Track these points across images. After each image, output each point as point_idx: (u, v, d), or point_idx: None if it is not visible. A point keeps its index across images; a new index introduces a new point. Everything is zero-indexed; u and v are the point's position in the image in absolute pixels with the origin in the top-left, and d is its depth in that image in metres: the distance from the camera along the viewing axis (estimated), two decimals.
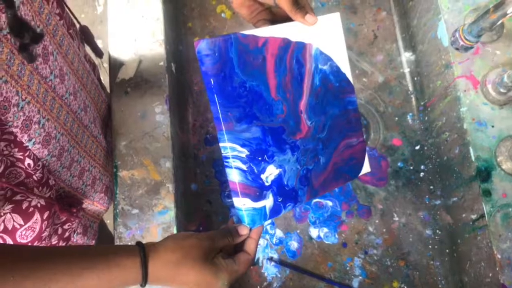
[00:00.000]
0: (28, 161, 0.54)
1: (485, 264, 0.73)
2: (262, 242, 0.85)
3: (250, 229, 0.59)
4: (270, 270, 0.84)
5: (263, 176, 0.59)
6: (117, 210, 0.72)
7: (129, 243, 0.70)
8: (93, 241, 0.81)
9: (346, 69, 0.68)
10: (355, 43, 0.96)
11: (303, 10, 0.60)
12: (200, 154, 0.90)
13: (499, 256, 0.70)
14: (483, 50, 0.78)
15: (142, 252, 0.51)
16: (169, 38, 0.83)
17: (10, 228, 0.58)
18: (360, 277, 0.84)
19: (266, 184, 0.59)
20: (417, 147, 0.89)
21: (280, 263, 0.84)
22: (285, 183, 0.61)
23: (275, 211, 0.60)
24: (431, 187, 0.87)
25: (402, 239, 0.85)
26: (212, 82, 0.56)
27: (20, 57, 0.49)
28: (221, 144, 0.57)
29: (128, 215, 0.72)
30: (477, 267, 0.75)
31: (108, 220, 1.32)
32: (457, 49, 0.71)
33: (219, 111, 0.56)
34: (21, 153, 0.53)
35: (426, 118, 0.90)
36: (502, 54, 0.78)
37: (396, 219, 0.86)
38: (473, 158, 0.74)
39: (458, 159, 0.79)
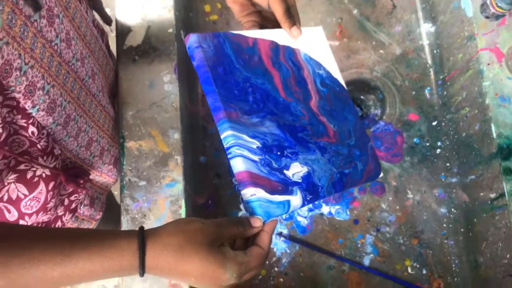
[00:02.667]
0: (32, 129, 0.52)
1: (503, 245, 0.71)
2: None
3: (264, 222, 0.53)
4: (279, 246, 0.82)
5: (287, 172, 0.55)
6: (124, 182, 0.70)
7: (136, 216, 0.68)
8: (100, 213, 0.80)
9: (338, 75, 0.69)
10: (373, 13, 0.91)
11: (292, 20, 0.63)
12: (210, 126, 0.87)
13: None
14: (509, 21, 0.74)
15: (141, 234, 0.47)
16: (178, 4, 0.79)
17: (14, 198, 0.56)
18: (372, 255, 0.82)
19: (293, 180, 0.55)
20: (434, 123, 0.86)
21: (290, 238, 0.82)
22: (317, 182, 0.58)
23: (299, 206, 0.56)
24: (448, 164, 0.84)
25: (416, 217, 0.83)
26: (210, 71, 0.54)
27: (22, 17, 0.46)
28: (222, 136, 0.53)
29: (135, 187, 0.69)
30: (493, 248, 0.73)
31: (116, 192, 1.31)
32: (487, 17, 0.67)
33: (219, 99, 0.53)
34: (24, 121, 0.51)
35: (444, 93, 0.86)
36: None
37: (410, 196, 0.84)
38: (494, 135, 0.71)
39: (478, 136, 0.76)
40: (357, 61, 0.90)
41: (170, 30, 0.75)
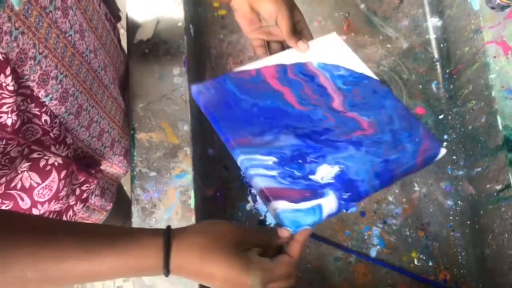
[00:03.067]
0: (45, 117, 0.53)
1: (509, 236, 0.71)
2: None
3: (294, 232, 0.51)
4: None
5: (314, 177, 0.54)
6: (135, 173, 0.71)
7: (146, 206, 0.70)
8: (111, 204, 0.81)
9: (363, 69, 0.67)
10: (380, 7, 0.92)
11: (298, 36, 0.65)
12: None
13: None
14: None
15: (167, 233, 0.46)
16: None
17: (27, 187, 0.58)
18: (378, 247, 0.83)
19: (323, 182, 0.54)
20: (441, 116, 0.87)
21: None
22: (353, 177, 0.55)
23: (336, 207, 0.53)
24: (454, 157, 0.85)
25: (422, 210, 0.84)
26: (212, 111, 0.58)
27: (38, 8, 0.47)
28: (239, 163, 0.55)
29: (145, 177, 0.71)
30: (499, 239, 0.73)
31: (126, 187, 1.33)
32: (492, 8, 0.67)
33: (226, 131, 0.56)
34: (38, 109, 0.52)
35: (451, 86, 0.87)
36: None
37: (417, 189, 0.84)
38: (500, 127, 0.72)
39: (484, 128, 0.76)
40: (364, 56, 0.90)
41: (180, 24, 0.76)
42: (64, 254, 0.43)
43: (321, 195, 0.53)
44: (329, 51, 0.68)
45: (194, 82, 0.79)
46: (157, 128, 0.73)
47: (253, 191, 0.84)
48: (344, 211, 0.54)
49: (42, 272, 0.42)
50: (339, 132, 0.59)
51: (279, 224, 0.51)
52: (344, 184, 0.54)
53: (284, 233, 0.50)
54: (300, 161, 0.55)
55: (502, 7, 0.67)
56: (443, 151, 0.60)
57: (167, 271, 0.45)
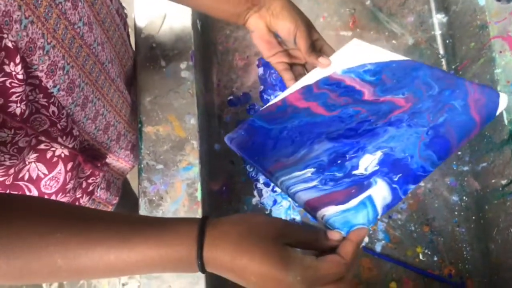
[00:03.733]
0: (52, 108, 0.54)
1: None
2: (285, 203, 0.84)
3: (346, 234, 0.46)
4: None
5: (358, 171, 0.50)
6: (142, 165, 0.72)
7: (153, 198, 0.70)
8: (117, 198, 0.82)
9: (391, 56, 0.65)
10: (386, 4, 0.93)
11: (317, 53, 0.65)
12: (224, 115, 0.89)
13: None
14: None
15: (202, 221, 0.44)
16: None
17: (34, 177, 0.58)
18: (383, 241, 0.83)
19: (368, 173, 0.50)
20: None
21: (302, 223, 0.84)
22: (400, 156, 0.50)
23: (390, 194, 0.48)
24: (459, 153, 0.85)
25: (428, 205, 0.84)
26: (245, 151, 0.59)
27: None
28: (279, 188, 0.55)
29: (152, 170, 0.71)
30: (505, 234, 0.74)
31: (133, 184, 1.33)
32: (498, 0, 0.68)
33: (260, 164, 0.57)
34: (45, 100, 0.53)
35: None
36: None
37: (422, 184, 0.85)
38: (506, 121, 0.72)
39: (490, 124, 0.76)
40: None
41: (187, 19, 0.77)
42: (94, 241, 0.41)
43: (368, 186, 0.48)
44: (352, 56, 0.67)
45: (200, 76, 0.80)
46: (164, 122, 0.73)
47: (259, 186, 0.85)
48: (403, 197, 0.48)
49: (72, 260, 0.41)
50: (375, 119, 0.56)
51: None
52: (391, 166, 0.50)
53: (335, 235, 0.45)
54: (339, 161, 0.52)
55: (509, 0, 0.68)
56: (503, 98, 0.52)
57: (201, 264, 0.42)
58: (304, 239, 0.44)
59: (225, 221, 0.44)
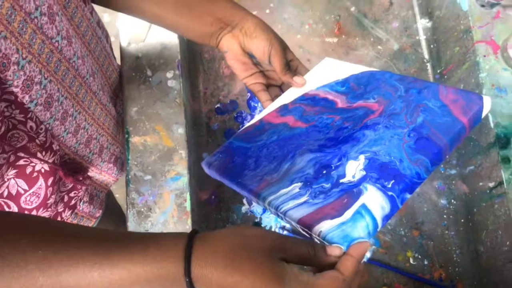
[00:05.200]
0: (30, 123, 0.52)
1: (502, 233, 0.72)
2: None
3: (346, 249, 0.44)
4: None
5: (345, 179, 0.49)
6: (130, 176, 0.71)
7: (142, 209, 0.70)
8: (100, 211, 0.80)
9: (358, 69, 0.65)
10: (370, 10, 0.93)
11: (291, 72, 0.64)
12: (212, 123, 0.89)
13: None
14: (504, 14, 0.76)
15: (190, 235, 0.41)
16: None
17: (14, 194, 0.57)
18: (374, 247, 0.83)
19: (356, 180, 0.49)
20: None
21: (293, 232, 0.83)
22: (386, 160, 0.49)
23: (384, 201, 0.46)
24: (447, 156, 0.86)
25: (416, 209, 0.84)
26: (225, 175, 0.58)
27: (22, 13, 0.47)
28: (267, 208, 0.52)
29: (140, 181, 0.71)
30: (493, 236, 0.74)
31: (118, 195, 1.32)
32: (482, 6, 0.68)
33: (244, 186, 0.55)
34: (22, 115, 0.51)
35: None
36: None
37: None
38: (492, 125, 0.73)
39: (476, 127, 0.77)
40: (356, 57, 0.91)
41: None
42: (76, 258, 0.40)
43: (358, 194, 0.47)
44: (326, 74, 0.66)
45: (187, 85, 0.80)
46: (151, 132, 0.73)
47: None
48: (400, 206, 0.46)
49: (54, 279, 0.39)
50: (351, 125, 0.56)
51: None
52: (379, 171, 0.48)
53: (334, 250, 0.43)
54: (324, 171, 0.51)
55: (492, 5, 0.69)
56: (487, 100, 0.51)
57: (189, 281, 0.39)
58: (301, 254, 0.42)
59: (215, 234, 0.42)
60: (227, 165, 0.59)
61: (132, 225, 0.69)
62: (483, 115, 0.52)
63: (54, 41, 0.53)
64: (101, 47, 0.71)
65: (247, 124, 0.65)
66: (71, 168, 0.66)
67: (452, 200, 0.84)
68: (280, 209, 0.49)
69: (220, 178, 0.59)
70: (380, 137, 0.52)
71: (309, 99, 0.64)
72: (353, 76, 0.64)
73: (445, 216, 0.83)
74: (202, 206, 0.82)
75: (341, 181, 0.49)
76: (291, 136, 0.59)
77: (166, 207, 0.70)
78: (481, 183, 0.77)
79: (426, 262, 0.82)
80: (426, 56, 0.91)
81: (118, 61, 0.79)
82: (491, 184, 0.74)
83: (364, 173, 0.49)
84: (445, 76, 0.86)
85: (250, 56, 0.65)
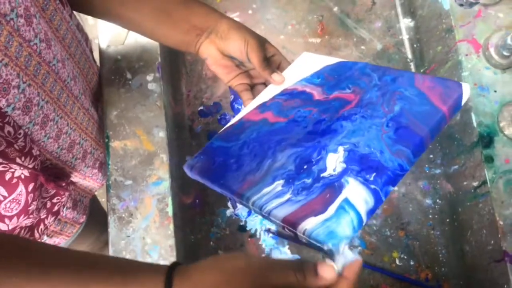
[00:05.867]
0: (8, 128, 0.51)
1: (487, 232, 0.72)
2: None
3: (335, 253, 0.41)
4: (267, 242, 0.82)
5: (326, 173, 0.48)
6: (110, 182, 0.70)
7: (123, 215, 0.68)
8: (84, 217, 0.79)
9: (332, 60, 0.65)
10: (353, 10, 0.93)
11: (270, 68, 0.63)
12: (195, 125, 0.88)
13: (501, 223, 0.68)
14: (485, 13, 0.76)
15: (169, 271, 0.40)
16: None
17: None
18: (360, 248, 0.82)
19: (337, 173, 0.47)
20: None
21: (278, 234, 0.83)
22: (366, 151, 0.48)
23: (366, 194, 0.45)
24: (431, 156, 0.85)
25: (402, 209, 0.84)
26: (207, 178, 0.56)
27: None
28: (252, 209, 0.51)
29: (121, 186, 0.69)
30: (478, 235, 0.74)
31: (103, 199, 1.30)
32: (461, 5, 0.68)
33: (226, 188, 0.54)
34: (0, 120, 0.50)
35: None
36: (504, 17, 0.76)
37: (396, 188, 0.85)
38: (475, 124, 0.72)
39: (459, 126, 0.77)
40: (339, 57, 0.90)
41: None
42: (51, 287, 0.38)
43: (340, 188, 0.45)
44: (304, 68, 0.66)
45: (168, 88, 0.79)
46: (131, 136, 0.71)
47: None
48: (384, 199, 0.45)
49: None
50: (328, 117, 0.55)
51: (319, 248, 0.42)
52: (359, 163, 0.47)
53: (326, 272, 0.39)
54: (305, 167, 0.50)
55: (471, 4, 0.68)
56: (466, 87, 0.50)
57: None
58: (289, 283, 0.39)
59: (196, 269, 0.41)
60: (209, 167, 0.58)
61: (114, 231, 0.68)
62: (463, 102, 0.51)
63: (32, 44, 0.52)
64: (81, 51, 0.70)
65: (227, 125, 0.64)
66: (52, 173, 0.65)
67: (437, 200, 0.84)
68: (264, 209, 0.48)
69: (202, 180, 0.58)
70: (358, 127, 0.51)
71: (287, 94, 0.63)
72: (328, 67, 0.64)
73: (430, 216, 0.83)
74: (186, 210, 0.81)
75: (322, 175, 0.48)
76: (270, 131, 0.58)
77: (147, 213, 0.68)
78: (465, 183, 0.77)
79: (412, 263, 0.82)
80: (409, 55, 0.90)
81: (99, 64, 0.78)
82: (475, 183, 0.73)
83: (344, 165, 0.48)
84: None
85: (232, 58, 0.64)
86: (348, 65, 0.62)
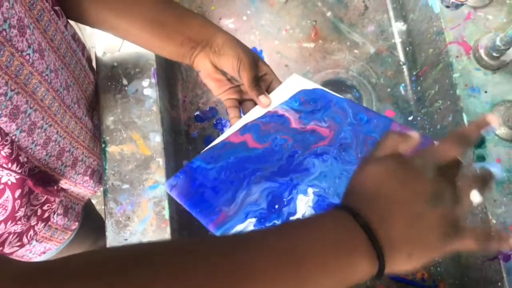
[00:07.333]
0: None
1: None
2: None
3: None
4: None
5: (294, 218, 0.50)
6: (107, 186, 0.71)
7: (120, 219, 0.69)
8: (76, 223, 0.79)
9: (313, 85, 0.65)
10: (346, 14, 0.94)
11: (259, 89, 0.63)
12: (191, 130, 0.89)
13: (494, 221, 0.69)
14: (474, 15, 0.77)
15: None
16: None
17: None
18: None
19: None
20: (410, 118, 0.88)
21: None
22: (335, 201, 0.50)
23: None
24: None
25: None
26: (186, 200, 0.57)
27: None
28: None
29: (118, 190, 0.70)
30: None
31: (98, 206, 1.31)
32: (447, 6, 0.69)
33: (203, 216, 0.55)
34: None
35: (418, 88, 0.89)
36: (494, 19, 0.77)
37: None
38: (466, 124, 0.73)
39: (452, 127, 0.78)
40: (333, 62, 0.92)
41: None
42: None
43: None
44: (289, 92, 0.65)
45: (164, 93, 0.80)
46: (128, 141, 0.72)
47: None
48: None
49: None
50: (302, 150, 0.57)
51: None
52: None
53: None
54: (276, 206, 0.52)
55: (457, 6, 0.70)
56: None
57: (379, 246, 0.38)
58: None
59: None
60: (188, 189, 0.59)
61: (111, 235, 0.69)
62: None
63: (25, 54, 0.52)
64: (76, 60, 0.70)
65: (210, 145, 0.64)
66: (40, 178, 0.65)
67: None
68: None
69: (181, 203, 0.59)
70: (329, 170, 0.53)
71: (267, 116, 0.63)
72: (303, 91, 0.64)
73: None
74: (183, 214, 0.82)
75: (291, 218, 0.51)
76: (247, 158, 0.59)
77: (144, 216, 0.69)
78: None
79: None
80: (402, 58, 0.92)
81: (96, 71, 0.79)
82: None
83: (313, 212, 0.50)
84: (421, 78, 0.87)
85: (224, 73, 0.65)
86: (325, 94, 0.63)
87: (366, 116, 0.57)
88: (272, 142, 0.60)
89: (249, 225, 0.52)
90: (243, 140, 0.61)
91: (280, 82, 0.67)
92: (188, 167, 0.61)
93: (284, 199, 0.53)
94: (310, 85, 0.66)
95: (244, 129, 0.63)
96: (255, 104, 0.66)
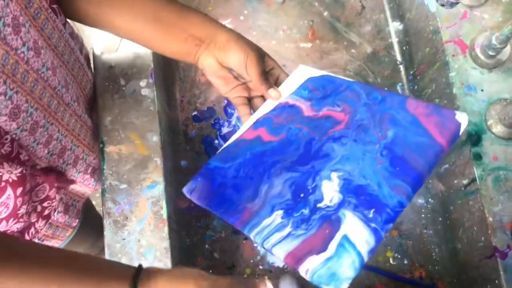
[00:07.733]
0: None
1: (477, 229, 0.73)
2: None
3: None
4: None
5: (322, 204, 0.48)
6: (105, 186, 0.71)
7: (118, 218, 0.69)
8: (77, 221, 0.79)
9: (320, 73, 0.65)
10: (343, 14, 0.95)
11: (269, 83, 0.63)
12: (189, 130, 0.89)
13: (490, 219, 0.69)
14: (470, 14, 0.77)
15: (134, 278, 0.45)
16: None
17: None
18: None
19: (334, 205, 0.48)
20: None
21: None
22: (361, 182, 0.47)
23: (365, 230, 0.44)
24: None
25: None
26: (208, 203, 0.57)
27: None
28: (253, 239, 0.52)
29: (116, 190, 0.71)
30: (469, 233, 0.75)
31: (98, 208, 1.31)
32: (442, 5, 0.70)
33: (227, 216, 0.54)
34: None
35: (415, 87, 0.89)
36: (490, 18, 0.77)
37: None
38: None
39: None
40: (330, 61, 0.92)
41: None
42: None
43: (338, 222, 0.45)
44: (297, 82, 0.65)
45: (161, 93, 0.80)
46: (126, 141, 0.73)
47: None
48: (383, 236, 0.44)
49: None
50: (318, 136, 0.56)
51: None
52: (356, 194, 0.47)
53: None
54: (302, 195, 0.51)
55: (451, 4, 0.70)
56: (463, 117, 0.49)
57: None
58: None
59: (160, 277, 0.45)
60: (208, 191, 0.58)
61: (109, 235, 0.69)
62: (461, 132, 0.49)
63: (19, 52, 0.52)
64: (74, 58, 0.70)
65: (224, 145, 0.63)
66: (45, 173, 0.65)
67: (429, 199, 0.85)
68: (265, 244, 0.49)
69: (202, 205, 0.58)
70: (351, 153, 0.51)
71: (278, 108, 0.63)
72: (310, 79, 0.64)
73: (423, 215, 0.84)
74: (181, 214, 0.82)
75: (318, 205, 0.48)
76: (264, 152, 0.58)
77: (142, 215, 0.69)
78: (456, 181, 0.78)
79: (406, 262, 0.82)
80: (399, 58, 0.92)
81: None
82: (465, 181, 0.75)
83: (340, 196, 0.48)
84: (418, 77, 0.88)
85: (230, 70, 0.64)
86: (333, 79, 0.62)
87: (380, 95, 0.55)
88: (287, 132, 0.59)
89: (276, 218, 0.50)
90: (257, 134, 0.61)
91: (287, 75, 0.66)
92: (205, 169, 0.61)
93: (309, 187, 0.51)
94: (317, 72, 0.65)
95: (257, 124, 0.62)
96: (264, 100, 0.66)
